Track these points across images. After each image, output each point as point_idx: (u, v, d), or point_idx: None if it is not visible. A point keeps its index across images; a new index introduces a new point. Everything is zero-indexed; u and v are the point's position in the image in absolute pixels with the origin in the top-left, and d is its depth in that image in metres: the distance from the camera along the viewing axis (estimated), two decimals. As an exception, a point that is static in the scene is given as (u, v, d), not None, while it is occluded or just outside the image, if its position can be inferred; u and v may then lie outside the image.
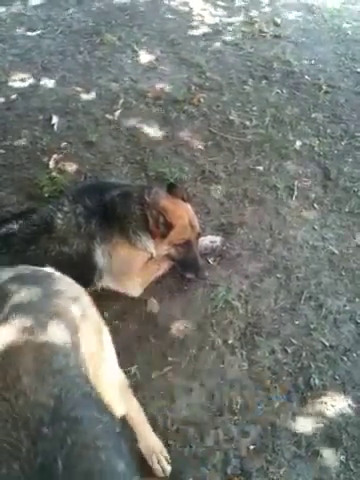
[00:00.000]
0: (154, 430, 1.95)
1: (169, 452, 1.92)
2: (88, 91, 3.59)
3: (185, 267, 2.43)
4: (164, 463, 1.86)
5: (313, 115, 3.53)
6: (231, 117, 3.44)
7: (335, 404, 2.10)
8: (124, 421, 1.80)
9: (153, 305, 2.39)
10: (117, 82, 3.69)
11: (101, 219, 2.23)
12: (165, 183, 2.61)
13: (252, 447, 1.96)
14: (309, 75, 3.90)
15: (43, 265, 2.06)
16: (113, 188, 2.35)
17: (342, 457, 1.95)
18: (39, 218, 2.21)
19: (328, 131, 3.41)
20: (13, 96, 3.51)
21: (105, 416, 1.21)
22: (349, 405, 2.09)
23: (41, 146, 3.13)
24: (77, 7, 4.54)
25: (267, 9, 4.73)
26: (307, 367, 2.21)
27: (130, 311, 2.36)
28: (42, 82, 3.65)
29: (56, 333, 1.27)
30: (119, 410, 1.55)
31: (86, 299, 1.51)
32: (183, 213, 2.32)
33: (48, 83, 3.64)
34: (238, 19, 4.54)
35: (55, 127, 3.28)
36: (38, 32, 4.19)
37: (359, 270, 2.60)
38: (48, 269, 1.55)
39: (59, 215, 2.20)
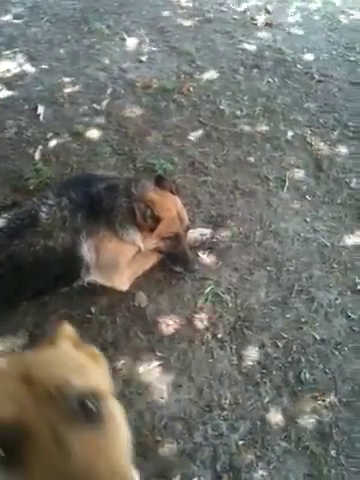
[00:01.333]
0: (142, 426, 1.93)
1: (157, 448, 1.90)
2: (75, 80, 3.51)
3: (174, 260, 2.40)
4: None
5: (305, 105, 3.48)
6: (221, 107, 3.38)
7: (326, 399, 2.07)
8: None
9: (141, 299, 2.35)
10: (105, 71, 3.62)
11: (87, 212, 2.17)
12: (153, 175, 2.56)
13: (241, 443, 1.94)
14: (301, 64, 3.83)
15: (28, 260, 2.04)
16: (99, 181, 2.29)
17: (333, 452, 1.94)
18: (23, 211, 2.15)
19: (320, 121, 3.36)
20: (-2, 86, 3.43)
21: None
22: (340, 400, 2.07)
23: (27, 137, 3.06)
24: (64, -6, 4.43)
25: (259, -4, 4.65)
26: (298, 361, 2.18)
27: (118, 305, 2.32)
28: (28, 71, 3.56)
29: None
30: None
31: None
32: (171, 206, 2.27)
33: (34, 72, 3.56)
34: (229, 6, 4.46)
35: (41, 117, 3.20)
36: (24, 20, 4.09)
37: (351, 263, 2.56)
38: None
39: (44, 209, 2.14)
